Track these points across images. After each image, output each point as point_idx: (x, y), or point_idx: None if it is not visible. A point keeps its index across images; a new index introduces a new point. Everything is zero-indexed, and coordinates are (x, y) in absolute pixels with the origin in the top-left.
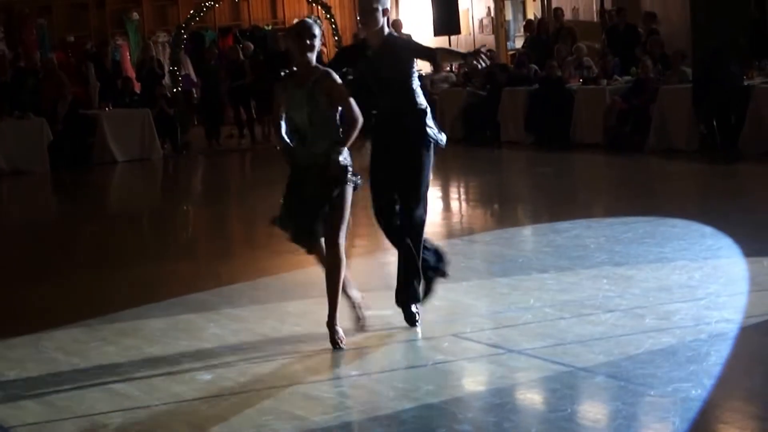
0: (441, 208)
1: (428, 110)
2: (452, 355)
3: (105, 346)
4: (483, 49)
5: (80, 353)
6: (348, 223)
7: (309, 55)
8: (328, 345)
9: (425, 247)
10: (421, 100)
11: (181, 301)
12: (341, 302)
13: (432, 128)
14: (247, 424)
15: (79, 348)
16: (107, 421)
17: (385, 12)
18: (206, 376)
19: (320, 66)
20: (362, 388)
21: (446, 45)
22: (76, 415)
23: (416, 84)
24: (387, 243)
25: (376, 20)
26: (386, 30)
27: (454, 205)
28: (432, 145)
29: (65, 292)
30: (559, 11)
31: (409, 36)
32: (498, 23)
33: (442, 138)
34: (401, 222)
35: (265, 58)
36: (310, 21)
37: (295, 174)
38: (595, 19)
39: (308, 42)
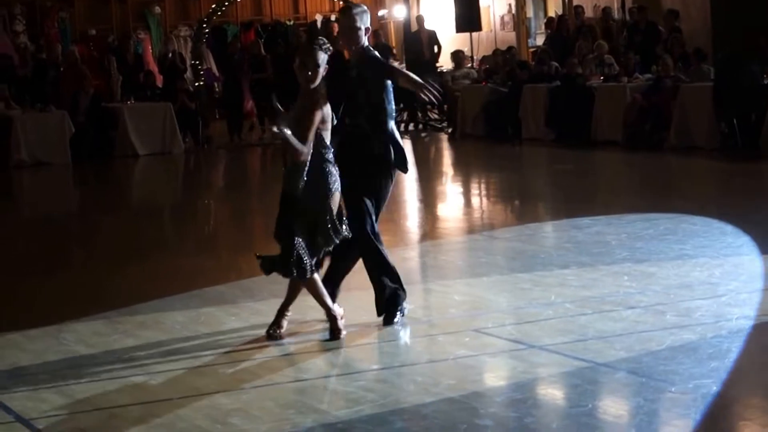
0: (462, 204)
1: (395, 134)
2: (473, 350)
3: (125, 338)
4: (432, 83)
5: (101, 345)
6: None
7: (311, 85)
8: (349, 341)
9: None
10: (391, 125)
11: (201, 294)
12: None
13: (396, 154)
14: (268, 417)
15: (100, 340)
16: (127, 414)
17: (366, 30)
18: (227, 370)
19: (319, 91)
20: (383, 382)
21: (467, 42)
22: (96, 408)
23: (390, 107)
24: (408, 238)
25: (358, 39)
26: (367, 50)
27: (475, 200)
28: (392, 174)
29: (86, 285)
30: (579, 9)
31: (433, 32)
32: (519, 20)
33: (406, 165)
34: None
35: (286, 53)
36: (315, 48)
37: None
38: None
39: (310, 74)
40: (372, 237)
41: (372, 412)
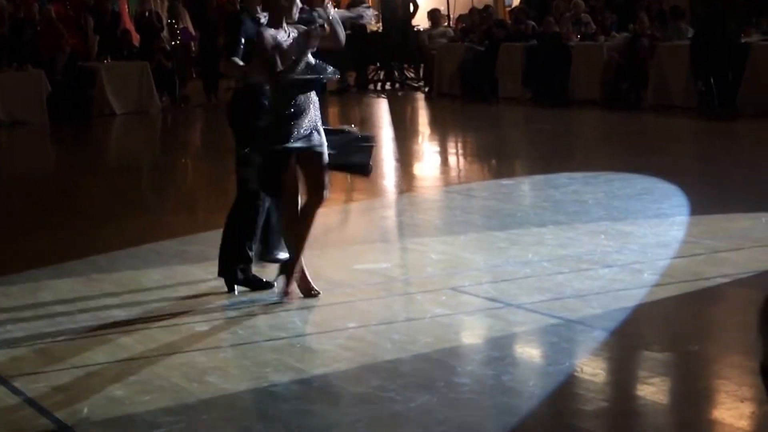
0: (438, 163)
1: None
2: (450, 308)
3: (103, 297)
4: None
5: (78, 304)
6: None
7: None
8: (327, 299)
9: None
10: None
11: (179, 253)
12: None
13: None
14: (245, 375)
15: (77, 298)
16: (104, 371)
17: None
18: (204, 328)
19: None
20: (360, 341)
21: (444, 1)
22: (74, 366)
23: None
24: (385, 197)
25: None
26: None
27: (452, 159)
28: None
29: (64, 243)
30: None
31: None
32: None
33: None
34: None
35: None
36: None
37: None
38: None
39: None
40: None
41: (348, 368)
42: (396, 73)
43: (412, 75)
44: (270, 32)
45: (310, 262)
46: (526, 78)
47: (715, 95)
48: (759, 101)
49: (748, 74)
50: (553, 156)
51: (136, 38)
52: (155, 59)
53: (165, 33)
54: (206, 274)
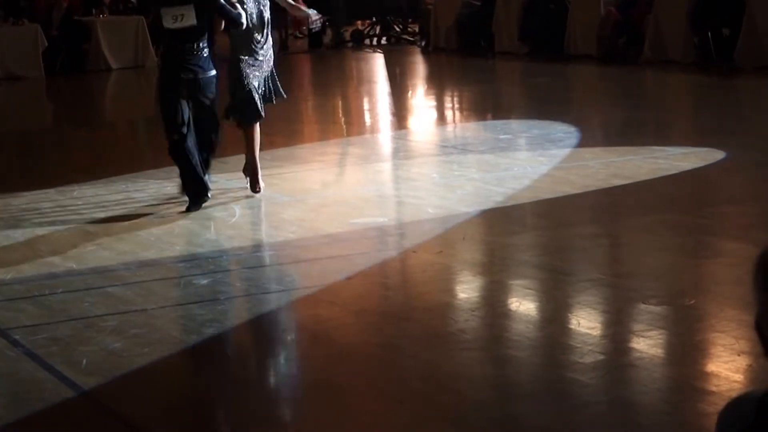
0: (435, 118)
1: None
2: (446, 261)
3: (101, 250)
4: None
5: (76, 257)
6: None
7: None
8: (324, 252)
9: None
10: None
11: (176, 206)
12: None
13: None
14: (242, 328)
15: (76, 252)
16: (103, 323)
17: None
18: (202, 281)
19: None
20: (356, 293)
21: None
22: (72, 318)
23: None
24: (381, 151)
25: None
26: None
27: (449, 114)
28: None
29: (59, 197)
30: None
31: None
32: None
33: None
34: None
35: None
36: None
37: None
38: None
39: None
40: None
41: (345, 320)
42: (394, 27)
43: (408, 29)
44: None
45: (307, 215)
46: (523, 33)
47: (712, 50)
48: (756, 57)
49: (746, 29)
50: (550, 110)
51: None
52: (151, 14)
53: None
54: (203, 229)
